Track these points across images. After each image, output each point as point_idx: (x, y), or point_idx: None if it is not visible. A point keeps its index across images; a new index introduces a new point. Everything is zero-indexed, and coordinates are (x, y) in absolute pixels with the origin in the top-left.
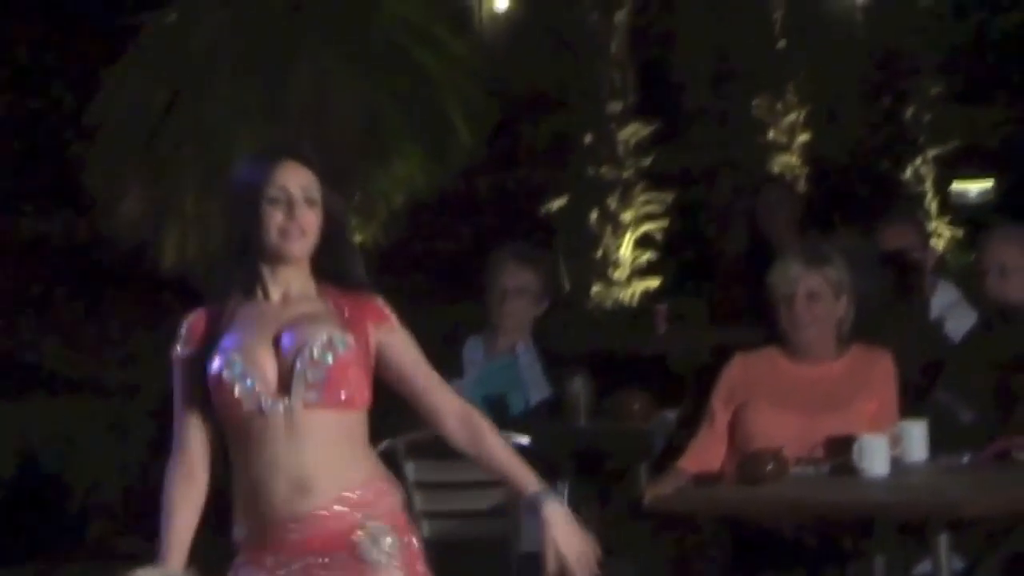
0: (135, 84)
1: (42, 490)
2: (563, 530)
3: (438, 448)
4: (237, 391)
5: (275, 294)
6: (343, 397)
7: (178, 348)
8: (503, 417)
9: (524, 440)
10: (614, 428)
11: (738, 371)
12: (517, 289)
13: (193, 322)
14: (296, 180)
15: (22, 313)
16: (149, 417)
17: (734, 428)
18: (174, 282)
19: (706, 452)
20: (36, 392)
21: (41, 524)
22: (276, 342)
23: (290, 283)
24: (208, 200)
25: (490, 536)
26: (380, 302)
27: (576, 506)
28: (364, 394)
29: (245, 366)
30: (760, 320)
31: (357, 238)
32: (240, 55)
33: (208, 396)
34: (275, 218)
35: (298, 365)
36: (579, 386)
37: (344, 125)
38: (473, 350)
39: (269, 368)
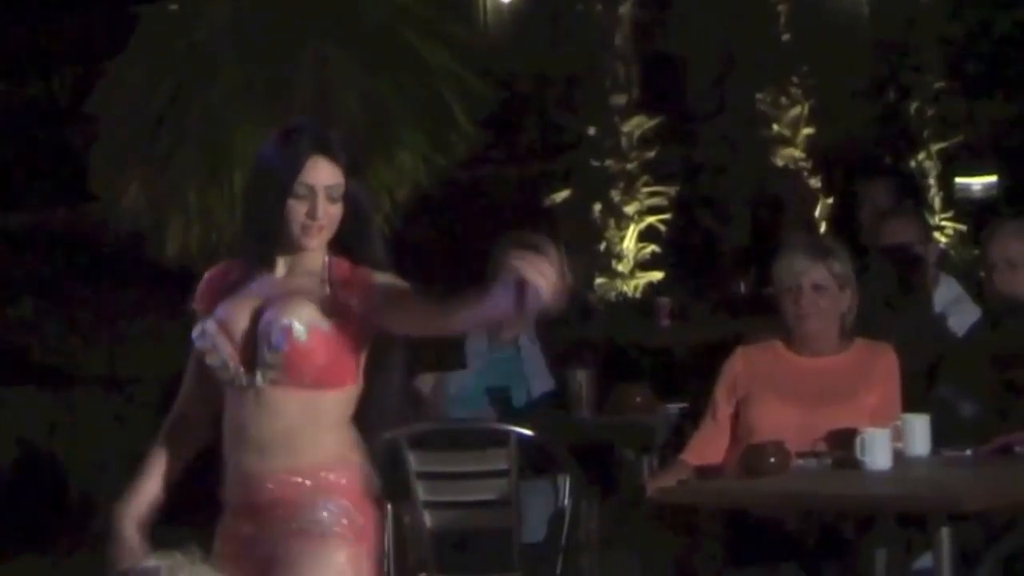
0: (137, 74)
1: (43, 481)
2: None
3: (439, 439)
4: (208, 360)
5: (281, 268)
6: (310, 378)
7: (193, 304)
8: (506, 408)
9: (527, 432)
10: (617, 420)
11: (741, 364)
12: None
13: (207, 279)
14: (323, 178)
15: (23, 302)
16: (152, 407)
17: (736, 421)
18: (177, 272)
19: (708, 445)
20: (38, 382)
21: (43, 516)
22: (258, 316)
23: (299, 258)
24: (211, 191)
25: (492, 526)
26: (375, 281)
27: (578, 498)
28: (340, 374)
29: (219, 338)
30: (761, 312)
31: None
32: (242, 46)
33: None
34: (299, 214)
35: (261, 346)
36: (582, 378)
37: (347, 116)
38: (477, 341)
39: (241, 342)
